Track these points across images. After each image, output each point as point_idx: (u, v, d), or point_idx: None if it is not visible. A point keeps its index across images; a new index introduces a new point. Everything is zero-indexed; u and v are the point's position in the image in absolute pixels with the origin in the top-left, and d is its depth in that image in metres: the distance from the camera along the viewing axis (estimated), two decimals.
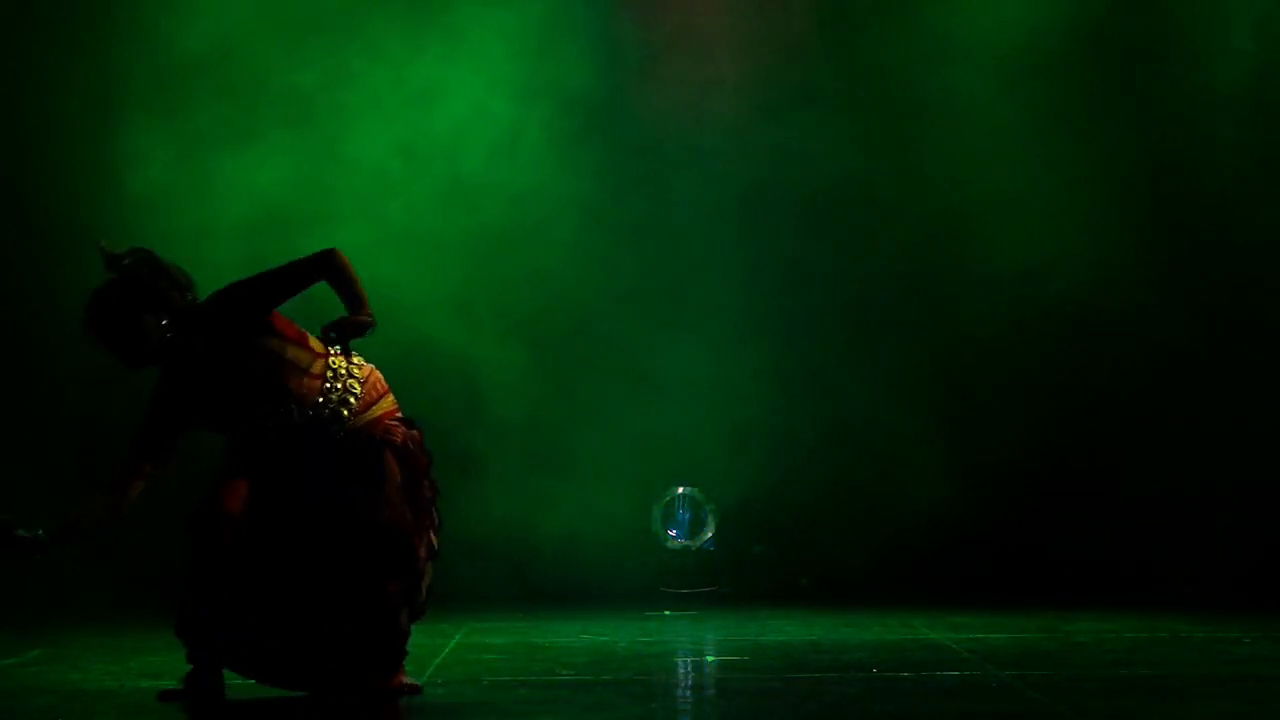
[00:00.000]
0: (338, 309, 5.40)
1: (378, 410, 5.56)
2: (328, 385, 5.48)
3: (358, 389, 5.51)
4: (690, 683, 6.23)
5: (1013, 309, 9.49)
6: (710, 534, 9.34)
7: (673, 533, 9.36)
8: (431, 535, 5.60)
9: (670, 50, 9.57)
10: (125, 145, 9.22)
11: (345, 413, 5.47)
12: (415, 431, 5.61)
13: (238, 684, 5.65)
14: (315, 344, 5.52)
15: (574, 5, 9.52)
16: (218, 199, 9.24)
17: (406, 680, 5.62)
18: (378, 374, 5.63)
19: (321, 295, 5.50)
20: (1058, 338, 9.55)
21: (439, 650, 6.83)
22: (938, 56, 9.54)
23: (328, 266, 5.41)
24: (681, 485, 9.44)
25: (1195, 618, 7.86)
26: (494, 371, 9.34)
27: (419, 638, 7.05)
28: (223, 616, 5.41)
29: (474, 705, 5.51)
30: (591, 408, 9.48)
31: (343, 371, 5.52)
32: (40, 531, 5.30)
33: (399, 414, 5.63)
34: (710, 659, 6.88)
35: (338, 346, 5.46)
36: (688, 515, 9.40)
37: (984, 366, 9.55)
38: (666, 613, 8.56)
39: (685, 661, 6.80)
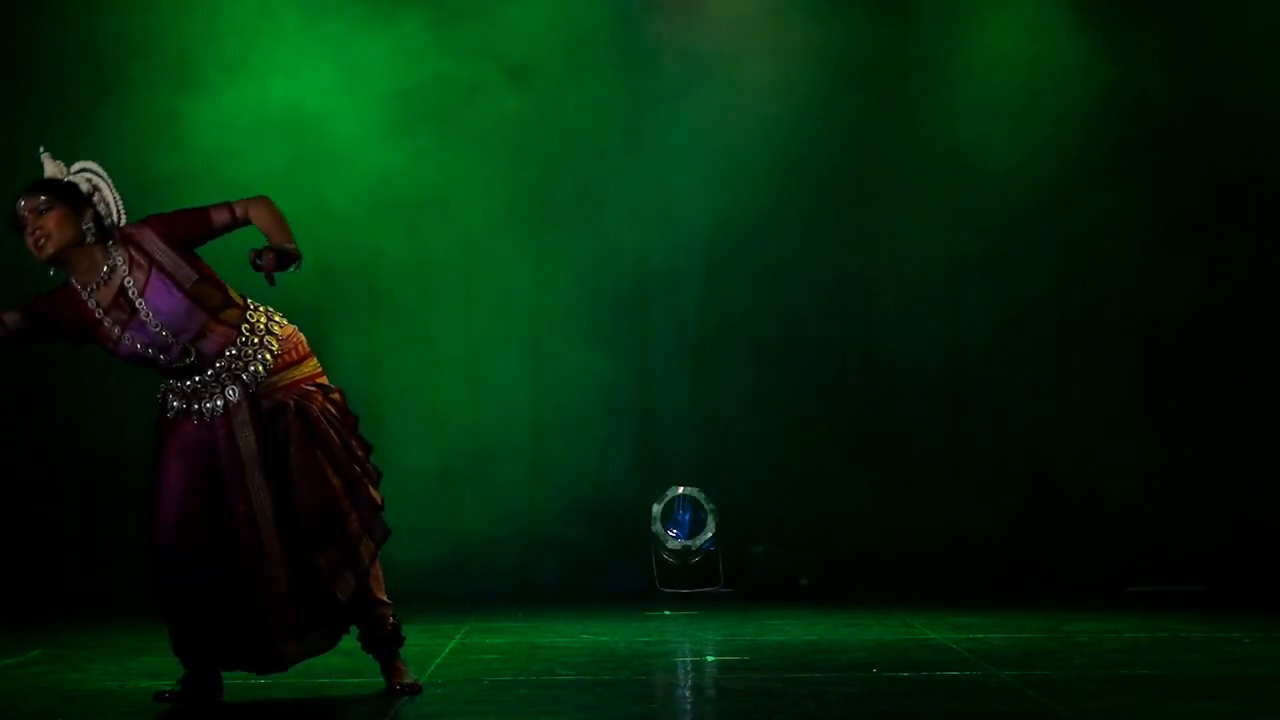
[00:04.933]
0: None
1: (297, 373, 5.50)
2: (242, 339, 5.42)
3: (275, 346, 5.46)
4: (690, 683, 6.23)
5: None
6: (710, 534, 9.33)
7: (673, 533, 9.35)
8: (371, 491, 5.51)
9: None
10: None
11: (259, 369, 5.41)
12: (336, 395, 5.55)
13: (237, 684, 5.65)
14: (235, 296, 5.48)
15: None
16: None
17: (406, 680, 5.61)
18: (300, 336, 5.57)
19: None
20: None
21: (439, 650, 6.83)
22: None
23: (260, 209, 5.40)
24: (681, 486, 9.45)
25: (1195, 618, 7.86)
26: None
27: (420, 638, 7.08)
28: (204, 623, 5.38)
29: (474, 705, 5.51)
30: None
31: (260, 327, 5.47)
32: None
33: (321, 379, 5.56)
34: (710, 659, 6.88)
35: (259, 303, 5.45)
36: (688, 515, 9.40)
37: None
38: (666, 613, 8.56)
39: (685, 661, 6.80)
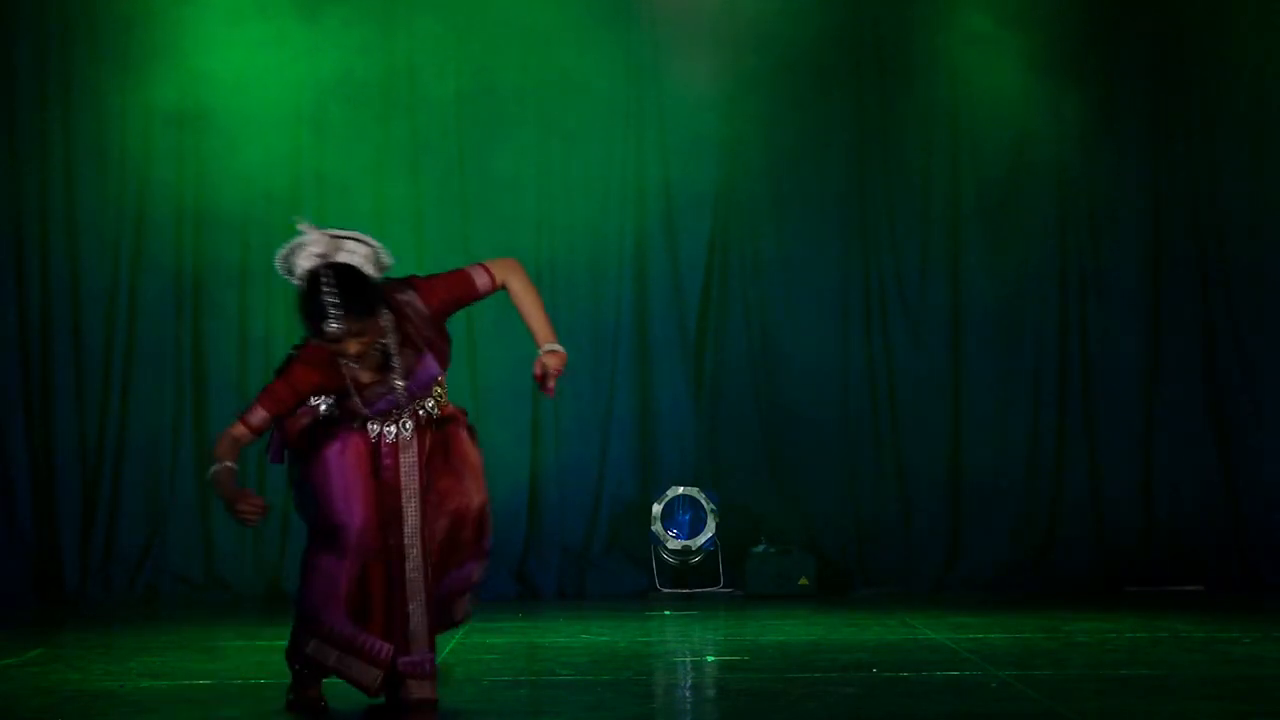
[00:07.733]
0: None
1: (450, 406, 5.47)
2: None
3: (439, 393, 5.43)
4: (690, 683, 6.23)
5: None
6: (710, 534, 9.33)
7: (673, 533, 9.35)
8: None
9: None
10: None
11: (433, 404, 5.37)
12: (469, 426, 5.52)
13: (236, 684, 5.64)
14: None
15: None
16: None
17: (419, 694, 5.45)
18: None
19: None
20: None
21: (439, 650, 6.81)
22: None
23: (515, 280, 5.27)
24: (681, 486, 9.45)
25: (1195, 618, 7.86)
26: None
27: None
28: (347, 624, 5.30)
29: (474, 705, 5.50)
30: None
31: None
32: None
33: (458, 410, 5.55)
34: (710, 659, 6.88)
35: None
36: (687, 515, 9.40)
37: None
38: (666, 613, 8.56)
39: (685, 661, 6.80)
